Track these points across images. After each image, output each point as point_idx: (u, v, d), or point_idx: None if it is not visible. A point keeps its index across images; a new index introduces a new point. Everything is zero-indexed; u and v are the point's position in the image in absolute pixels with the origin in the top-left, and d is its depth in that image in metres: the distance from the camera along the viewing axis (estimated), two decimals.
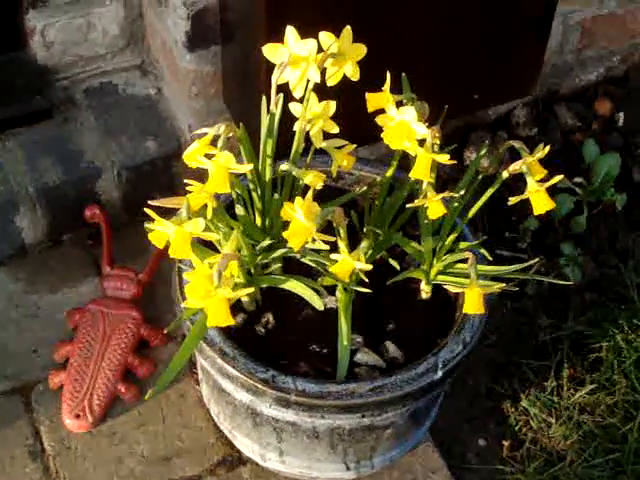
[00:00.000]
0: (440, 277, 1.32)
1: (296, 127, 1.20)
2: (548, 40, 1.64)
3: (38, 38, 1.63)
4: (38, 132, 1.67)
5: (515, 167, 1.15)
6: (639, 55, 2.03)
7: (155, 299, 1.64)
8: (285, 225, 1.14)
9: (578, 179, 1.82)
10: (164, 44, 1.64)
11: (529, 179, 1.15)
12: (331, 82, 1.15)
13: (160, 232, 1.08)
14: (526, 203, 1.81)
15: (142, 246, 1.68)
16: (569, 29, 1.87)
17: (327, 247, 1.15)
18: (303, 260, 1.24)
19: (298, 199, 1.09)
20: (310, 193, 1.10)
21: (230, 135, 1.09)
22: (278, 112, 1.17)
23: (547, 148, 1.17)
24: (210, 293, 0.98)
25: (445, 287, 1.32)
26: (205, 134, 1.09)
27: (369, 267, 1.17)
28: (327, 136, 1.21)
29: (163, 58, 1.67)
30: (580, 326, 1.66)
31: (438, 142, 1.14)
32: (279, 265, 1.23)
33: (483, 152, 1.28)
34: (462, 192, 1.26)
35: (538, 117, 1.95)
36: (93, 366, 1.51)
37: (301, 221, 1.08)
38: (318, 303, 1.18)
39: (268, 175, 1.20)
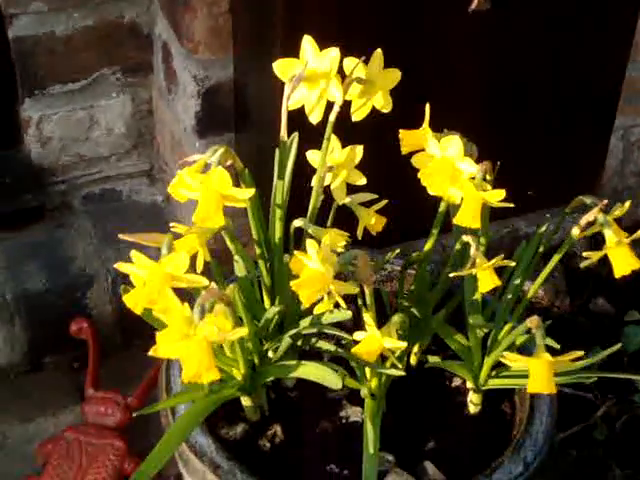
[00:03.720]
0: (493, 382, 1.05)
1: (314, 181, 0.97)
2: (609, 141, 1.44)
3: (33, 131, 1.45)
4: (25, 236, 1.46)
5: (589, 219, 0.91)
6: None
7: (146, 429, 1.35)
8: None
9: None
10: (173, 137, 1.45)
11: (607, 232, 0.91)
12: (358, 116, 0.94)
13: (136, 279, 0.84)
14: (588, 331, 1.54)
15: (137, 375, 1.44)
16: (630, 147, 1.67)
17: (349, 314, 0.91)
18: (319, 346, 0.99)
19: (311, 241, 0.85)
20: (327, 238, 0.87)
21: (228, 163, 0.87)
22: (293, 150, 0.95)
23: (627, 204, 0.93)
24: (187, 336, 0.73)
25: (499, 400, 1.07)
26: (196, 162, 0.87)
27: (403, 345, 0.91)
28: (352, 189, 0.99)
29: (171, 155, 1.49)
30: None
31: (489, 186, 0.91)
32: (286, 346, 0.96)
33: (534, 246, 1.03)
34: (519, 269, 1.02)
35: (598, 246, 1.72)
36: None
37: (314, 267, 0.83)
38: (335, 381, 0.91)
39: (278, 234, 0.97)
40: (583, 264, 0.91)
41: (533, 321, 0.84)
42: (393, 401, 1.07)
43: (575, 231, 0.93)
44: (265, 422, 1.06)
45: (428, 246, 1.04)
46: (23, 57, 1.38)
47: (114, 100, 1.47)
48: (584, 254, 0.91)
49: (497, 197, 0.87)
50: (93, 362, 1.39)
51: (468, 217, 0.88)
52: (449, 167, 0.89)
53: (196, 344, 0.73)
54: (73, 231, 1.48)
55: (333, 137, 0.96)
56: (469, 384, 1.08)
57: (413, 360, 1.12)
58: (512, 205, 0.88)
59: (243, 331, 0.76)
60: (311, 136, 0.97)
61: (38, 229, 1.48)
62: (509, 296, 1.06)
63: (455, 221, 0.89)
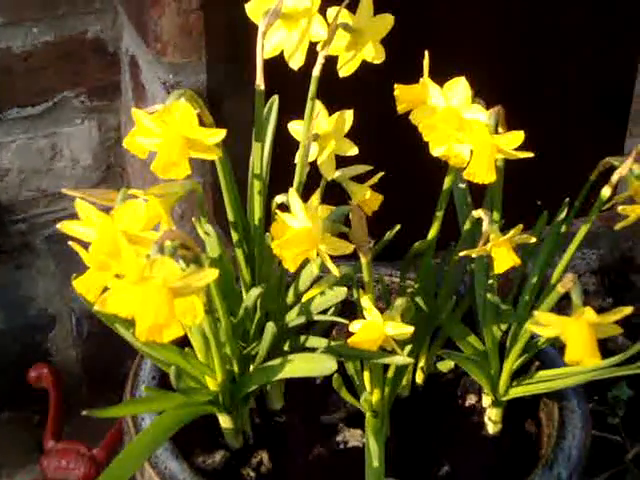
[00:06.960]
0: (514, 391, 0.90)
1: (297, 154, 0.84)
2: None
3: None
4: None
5: (622, 172, 0.77)
6: None
7: None
8: None
9: None
10: (144, 166, 1.32)
11: None
12: (345, 72, 0.81)
13: (86, 258, 0.69)
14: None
15: (106, 432, 1.27)
16: None
17: (343, 291, 0.76)
18: (308, 345, 0.84)
19: (294, 193, 0.71)
20: (318, 193, 0.73)
21: (197, 111, 0.73)
22: (274, 114, 0.82)
23: None
24: (142, 279, 0.58)
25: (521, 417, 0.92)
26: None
27: (409, 330, 0.76)
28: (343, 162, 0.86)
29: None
30: None
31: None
32: (270, 339, 0.81)
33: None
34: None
35: (612, 286, 1.58)
36: None
37: (300, 226, 0.69)
38: (329, 364, 0.75)
39: (258, 213, 0.83)
40: (619, 225, 0.77)
41: (567, 281, 0.69)
42: (398, 425, 0.92)
43: (606, 191, 0.79)
44: (249, 449, 0.90)
45: (433, 232, 0.89)
46: None
47: (79, 127, 1.34)
48: (620, 209, 0.76)
49: (514, 142, 0.74)
50: (54, 411, 1.22)
51: (481, 169, 0.74)
52: (455, 117, 0.76)
53: (152, 288, 0.58)
54: (34, 271, 1.33)
55: (318, 103, 0.83)
56: (486, 398, 0.93)
57: (419, 378, 0.97)
58: (532, 155, 0.74)
59: (213, 273, 0.61)
60: (293, 105, 0.85)
61: None
62: (527, 295, 0.91)
63: (465, 175, 0.75)
